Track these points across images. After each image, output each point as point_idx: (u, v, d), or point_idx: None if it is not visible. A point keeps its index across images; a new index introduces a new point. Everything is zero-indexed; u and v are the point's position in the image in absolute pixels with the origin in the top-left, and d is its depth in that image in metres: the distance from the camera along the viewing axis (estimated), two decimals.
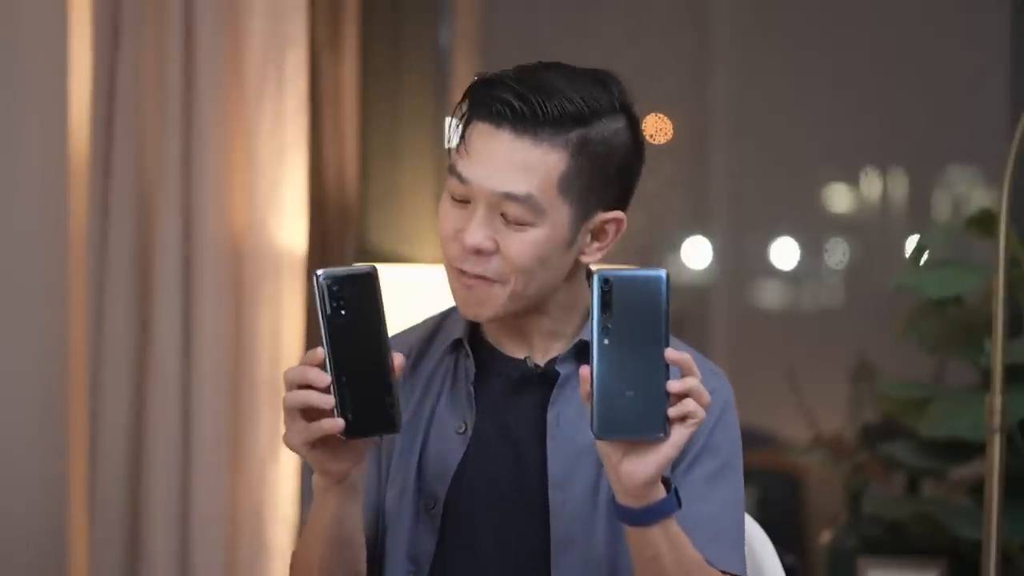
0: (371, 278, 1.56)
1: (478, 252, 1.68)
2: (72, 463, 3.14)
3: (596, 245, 1.75)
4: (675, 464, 1.69)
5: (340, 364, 1.55)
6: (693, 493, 1.69)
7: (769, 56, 4.35)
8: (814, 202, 4.39)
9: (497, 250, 1.68)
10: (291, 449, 1.59)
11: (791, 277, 4.39)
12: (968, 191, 4.23)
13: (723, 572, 1.68)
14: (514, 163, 1.66)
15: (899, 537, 3.28)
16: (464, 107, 1.72)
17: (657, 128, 4.26)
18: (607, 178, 1.71)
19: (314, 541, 1.67)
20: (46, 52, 3.13)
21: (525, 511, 1.73)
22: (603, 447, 1.54)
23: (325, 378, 1.56)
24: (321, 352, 1.56)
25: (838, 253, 4.38)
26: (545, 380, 1.75)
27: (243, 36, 3.23)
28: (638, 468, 1.52)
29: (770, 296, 4.46)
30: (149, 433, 3.17)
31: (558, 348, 1.76)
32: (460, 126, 1.72)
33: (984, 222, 2.89)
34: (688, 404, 1.51)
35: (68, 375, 3.13)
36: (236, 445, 3.21)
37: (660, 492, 1.56)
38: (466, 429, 1.75)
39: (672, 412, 1.51)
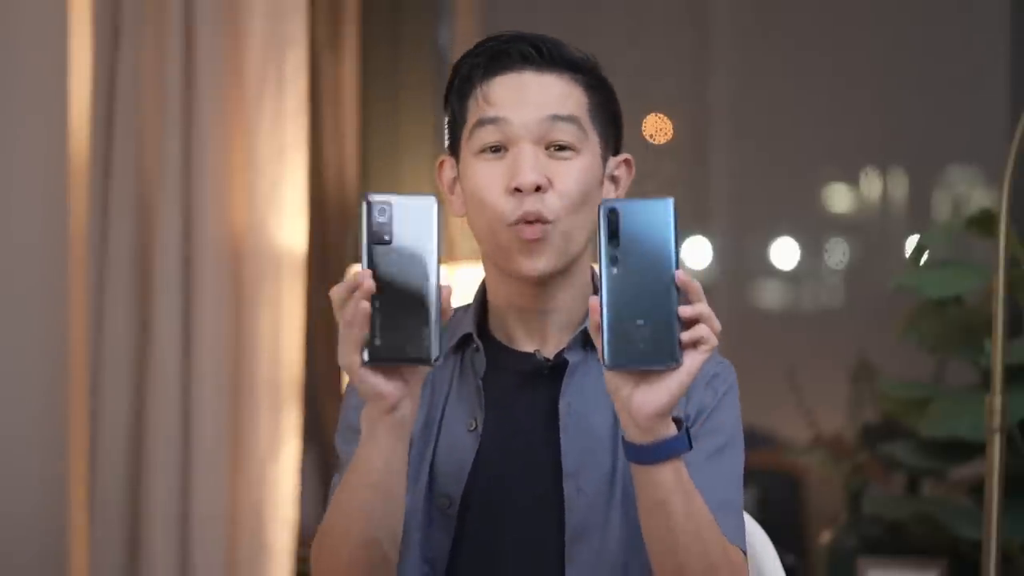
0: (425, 207, 1.53)
1: (537, 189, 1.69)
2: (72, 463, 3.14)
3: (613, 193, 1.79)
4: None
5: (376, 288, 1.51)
6: (690, 471, 1.67)
7: (769, 56, 4.35)
8: (814, 202, 4.39)
9: (550, 186, 1.70)
10: (343, 367, 1.54)
11: (791, 277, 4.39)
12: (968, 191, 4.23)
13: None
14: (550, 93, 1.72)
15: (899, 537, 3.28)
16: (469, 73, 1.74)
17: (657, 128, 4.26)
18: (614, 121, 1.78)
19: (357, 490, 1.61)
20: (46, 52, 3.13)
21: (540, 505, 1.71)
22: (613, 380, 1.51)
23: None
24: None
25: (838, 253, 4.38)
26: (555, 372, 1.74)
27: (243, 36, 3.23)
28: (649, 398, 1.49)
29: (770, 296, 4.46)
30: (149, 433, 3.17)
31: (566, 339, 1.76)
32: (475, 90, 1.73)
33: (984, 222, 2.89)
34: (700, 329, 1.49)
35: (68, 375, 3.13)
36: (236, 445, 3.21)
37: (671, 428, 1.53)
38: (476, 426, 1.74)
39: (685, 337, 1.48)
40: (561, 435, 1.72)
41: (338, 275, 3.80)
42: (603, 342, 1.49)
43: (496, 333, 1.78)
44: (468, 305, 1.81)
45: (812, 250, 4.38)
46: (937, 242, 3.06)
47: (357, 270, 1.53)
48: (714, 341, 1.49)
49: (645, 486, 1.55)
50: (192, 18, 3.19)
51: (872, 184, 4.35)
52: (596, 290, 1.76)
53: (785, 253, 4.37)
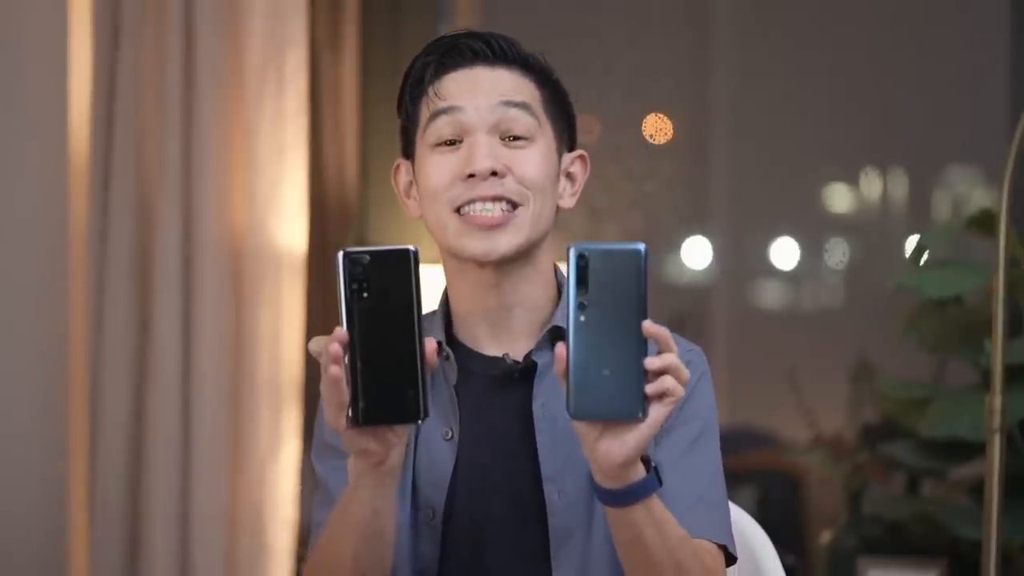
0: (402, 258, 1.49)
1: (494, 174, 1.68)
2: (72, 463, 3.14)
3: (570, 189, 1.78)
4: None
5: (357, 348, 1.48)
6: (669, 464, 1.68)
7: (769, 56, 4.35)
8: (814, 202, 4.40)
9: (508, 173, 1.69)
10: (329, 425, 1.53)
11: (791, 277, 4.39)
12: (968, 191, 4.23)
13: (708, 542, 1.66)
14: (501, 84, 1.72)
15: (899, 537, 3.28)
16: (421, 73, 1.73)
17: (657, 128, 4.26)
18: (566, 119, 1.77)
19: (346, 534, 1.61)
20: (46, 52, 3.13)
21: (522, 510, 1.71)
22: (579, 427, 1.50)
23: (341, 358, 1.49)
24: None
25: (838, 253, 4.38)
26: (526, 375, 1.73)
27: (243, 36, 3.23)
28: (615, 448, 1.48)
29: (770, 296, 4.46)
30: (149, 433, 3.17)
31: (533, 341, 1.75)
32: (427, 88, 1.72)
33: (984, 222, 2.89)
34: (666, 381, 1.47)
35: (68, 375, 3.13)
36: (236, 445, 3.21)
37: (640, 471, 1.52)
38: (452, 435, 1.73)
39: (650, 390, 1.47)
40: (537, 438, 1.71)
41: None
42: (568, 391, 1.47)
43: (463, 338, 1.77)
44: (433, 312, 1.79)
45: (812, 250, 4.38)
46: (937, 242, 3.06)
47: (337, 329, 1.49)
48: (680, 392, 1.47)
49: (618, 524, 1.56)
50: (192, 18, 3.19)
51: (872, 184, 4.35)
52: (560, 290, 1.77)
53: (785, 253, 4.37)
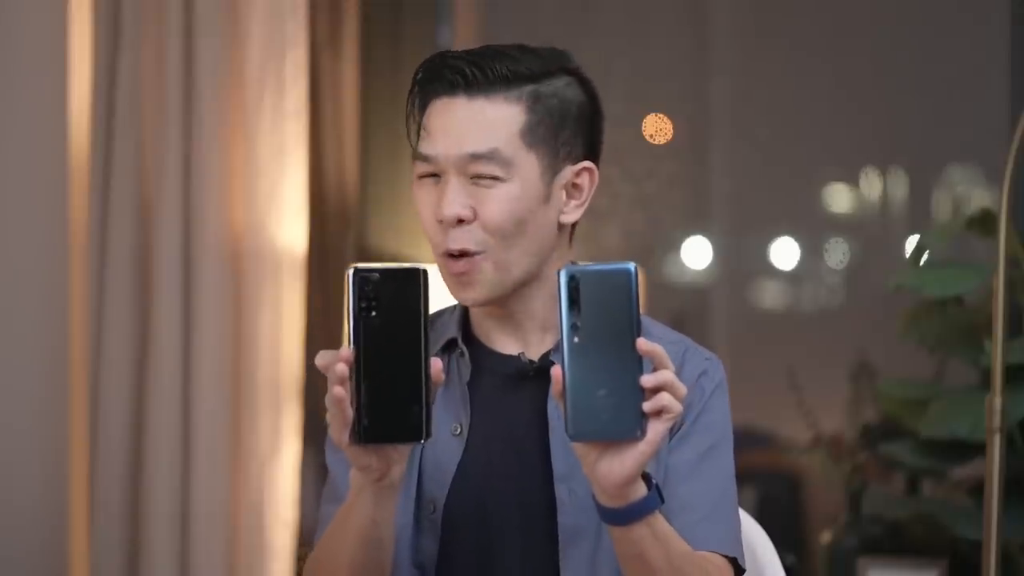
0: (412, 278, 1.50)
1: (459, 222, 1.69)
2: (72, 463, 3.14)
3: (574, 203, 1.76)
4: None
5: (363, 366, 1.49)
6: (681, 473, 1.69)
7: (769, 56, 4.35)
8: (814, 202, 4.40)
9: (475, 217, 1.69)
10: (333, 441, 1.54)
11: (791, 277, 4.39)
12: (968, 191, 4.23)
13: (715, 554, 1.67)
14: (473, 124, 1.69)
15: (899, 537, 3.28)
16: (416, 97, 1.74)
17: (657, 128, 4.26)
18: (568, 130, 1.74)
19: (345, 541, 1.63)
20: (46, 52, 3.13)
21: (530, 508, 1.71)
22: (578, 448, 1.50)
23: (346, 375, 1.50)
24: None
25: (838, 253, 4.38)
26: (541, 374, 1.74)
27: (243, 37, 3.23)
28: (615, 467, 1.49)
29: (770, 296, 4.46)
30: (149, 433, 3.17)
31: (551, 340, 1.76)
32: (417, 115, 1.73)
33: (984, 222, 2.89)
34: (663, 398, 1.47)
35: (68, 375, 3.13)
36: (236, 445, 3.21)
37: (641, 490, 1.52)
38: (461, 430, 1.74)
39: (647, 407, 1.47)
40: (550, 437, 1.71)
41: (338, 275, 3.80)
42: (565, 413, 1.48)
43: (479, 336, 1.78)
44: (455, 306, 1.81)
45: (812, 250, 4.38)
46: (937, 242, 3.06)
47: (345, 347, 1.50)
48: (677, 408, 1.48)
49: (621, 542, 1.56)
50: (192, 18, 3.19)
51: (872, 184, 4.35)
52: None
53: (785, 253, 4.37)
